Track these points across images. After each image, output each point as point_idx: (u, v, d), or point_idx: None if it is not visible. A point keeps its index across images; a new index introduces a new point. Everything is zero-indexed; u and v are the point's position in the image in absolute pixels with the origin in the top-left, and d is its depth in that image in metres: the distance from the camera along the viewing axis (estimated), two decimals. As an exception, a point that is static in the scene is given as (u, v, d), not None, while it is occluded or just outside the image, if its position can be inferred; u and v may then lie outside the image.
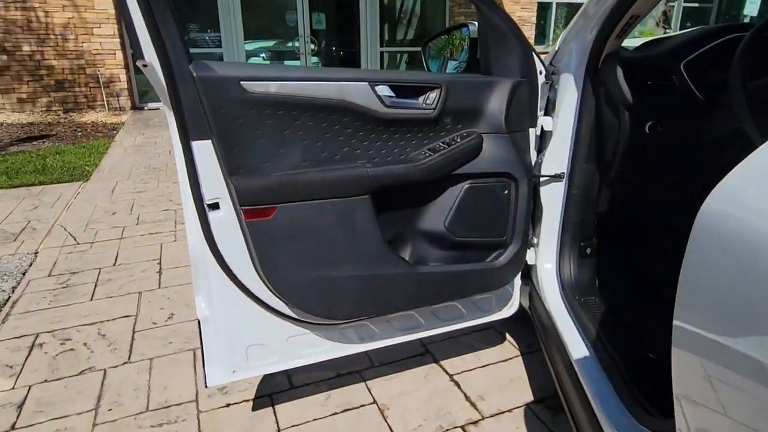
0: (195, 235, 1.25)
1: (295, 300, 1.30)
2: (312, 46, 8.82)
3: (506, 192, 1.47)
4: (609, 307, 1.52)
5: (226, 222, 1.23)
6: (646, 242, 1.74)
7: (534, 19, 9.94)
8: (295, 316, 1.38)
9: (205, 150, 1.17)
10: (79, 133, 6.35)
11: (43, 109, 7.54)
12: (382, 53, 9.51)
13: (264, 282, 1.29)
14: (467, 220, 1.46)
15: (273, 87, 1.18)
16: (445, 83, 1.35)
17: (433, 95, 1.35)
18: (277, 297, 1.31)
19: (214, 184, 1.20)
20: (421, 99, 1.36)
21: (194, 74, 1.11)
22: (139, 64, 1.10)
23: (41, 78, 7.43)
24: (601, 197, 1.58)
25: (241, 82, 1.15)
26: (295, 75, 1.21)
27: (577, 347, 1.36)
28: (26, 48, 7.23)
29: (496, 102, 1.41)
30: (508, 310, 1.74)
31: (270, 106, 1.19)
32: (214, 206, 1.22)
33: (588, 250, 1.64)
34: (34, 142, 5.80)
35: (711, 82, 1.41)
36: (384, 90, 1.30)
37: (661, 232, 1.69)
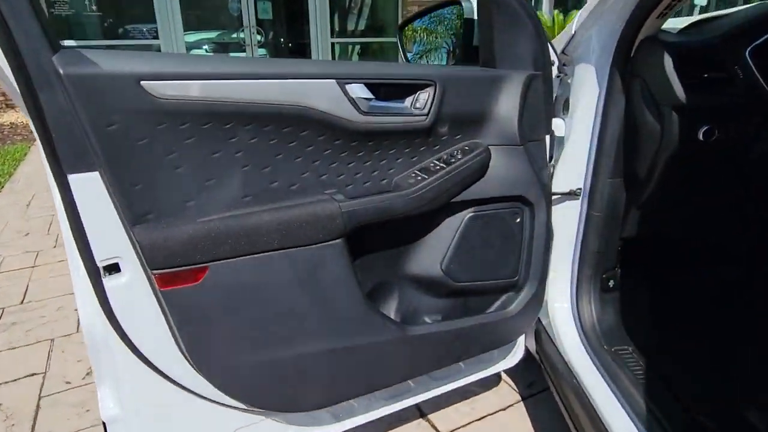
0: (89, 306, 0.85)
1: (238, 392, 0.93)
2: (258, 38, 8.26)
3: (519, 221, 1.14)
4: (650, 362, 1.21)
5: (132, 291, 0.84)
6: (697, 277, 1.44)
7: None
8: (243, 406, 1.00)
9: (90, 186, 0.77)
10: (-5, 137, 5.64)
11: (-47, 109, 6.71)
12: (333, 44, 9.06)
13: (194, 368, 0.90)
14: (470, 260, 1.12)
15: (194, 88, 0.79)
16: (440, 79, 0.99)
17: (424, 96, 0.99)
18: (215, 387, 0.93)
19: (110, 236, 0.80)
20: (408, 101, 1.00)
21: (60, 71, 0.70)
22: None
23: (-51, 74, 6.59)
24: (630, 220, 1.27)
25: (142, 83, 0.75)
26: (226, 70, 0.82)
27: (619, 423, 1.05)
28: (-71, 40, 6.38)
29: (506, 103, 1.07)
30: (512, 359, 1.42)
31: (190, 118, 0.80)
32: (113, 268, 0.82)
33: (611, 283, 1.33)
34: (-62, 149, 5.07)
35: None
36: (358, 90, 0.93)
37: (717, 264, 1.41)
